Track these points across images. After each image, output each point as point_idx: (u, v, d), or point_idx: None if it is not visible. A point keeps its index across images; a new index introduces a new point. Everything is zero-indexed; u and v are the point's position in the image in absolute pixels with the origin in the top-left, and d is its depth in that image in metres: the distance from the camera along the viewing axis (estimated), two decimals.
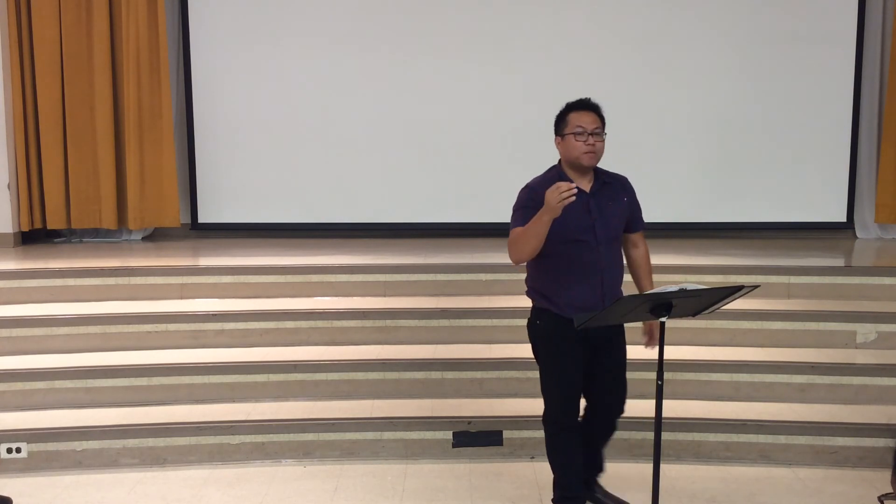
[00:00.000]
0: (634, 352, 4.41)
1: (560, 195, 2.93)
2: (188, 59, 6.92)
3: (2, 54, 6.52)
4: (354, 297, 5.34)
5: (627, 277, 3.54)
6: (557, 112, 3.39)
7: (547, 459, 3.61)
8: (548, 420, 3.52)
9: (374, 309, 5.08)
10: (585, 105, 3.32)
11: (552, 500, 3.61)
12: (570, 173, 3.34)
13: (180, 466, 4.20)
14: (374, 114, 6.95)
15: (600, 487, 3.78)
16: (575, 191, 2.96)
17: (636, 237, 3.55)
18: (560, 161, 3.41)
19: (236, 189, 7.02)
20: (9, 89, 6.59)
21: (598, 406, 3.56)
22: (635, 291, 3.46)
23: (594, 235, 3.30)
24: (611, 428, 3.64)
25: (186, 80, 6.95)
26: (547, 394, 3.49)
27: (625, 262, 3.54)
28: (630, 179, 3.57)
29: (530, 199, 3.26)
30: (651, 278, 3.57)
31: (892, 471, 1.47)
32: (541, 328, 3.43)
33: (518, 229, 3.22)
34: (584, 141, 3.26)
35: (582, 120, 3.27)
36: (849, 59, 6.94)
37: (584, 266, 3.31)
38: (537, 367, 3.60)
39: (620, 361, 3.54)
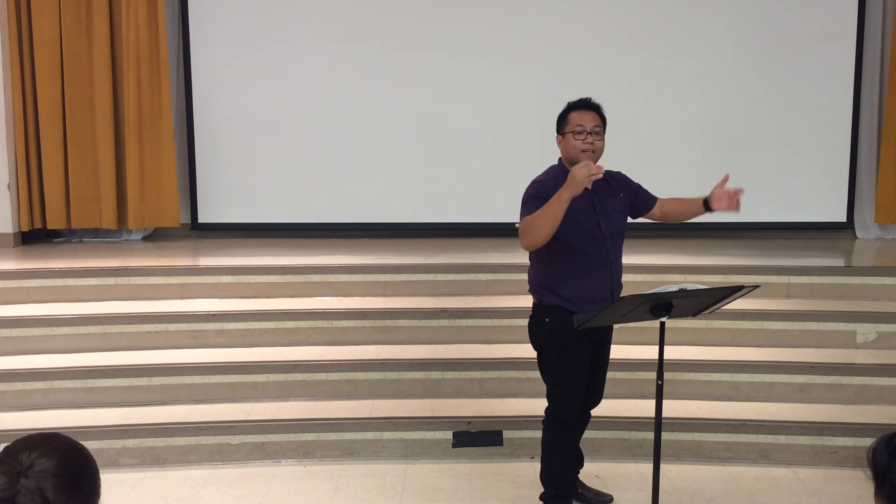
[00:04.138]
0: (634, 352, 4.44)
1: (589, 170, 2.98)
2: (188, 59, 6.92)
3: (2, 54, 6.52)
4: (354, 297, 5.33)
5: (627, 278, 3.55)
6: (559, 112, 3.42)
7: (541, 458, 3.61)
8: (554, 419, 3.52)
9: (374, 309, 5.08)
10: (586, 104, 3.36)
11: (542, 498, 3.61)
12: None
13: (180, 466, 4.20)
14: (375, 114, 6.95)
15: (582, 483, 3.82)
16: (603, 170, 3.02)
17: (658, 203, 3.57)
18: (560, 160, 3.43)
19: (236, 189, 7.02)
20: (9, 89, 6.58)
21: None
22: (633, 290, 3.47)
23: (600, 230, 3.34)
24: (588, 419, 3.71)
25: (186, 80, 6.95)
26: (556, 392, 3.49)
27: (624, 260, 3.55)
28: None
29: (539, 191, 3.28)
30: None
31: (874, 488, 1.45)
32: (551, 325, 3.42)
33: (529, 216, 3.22)
34: (584, 140, 3.29)
35: (582, 119, 3.32)
36: (849, 59, 6.93)
37: (594, 260, 3.34)
38: (537, 367, 3.61)
39: (608, 357, 3.63)
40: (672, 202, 3.58)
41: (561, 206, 3.08)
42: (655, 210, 3.56)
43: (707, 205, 3.44)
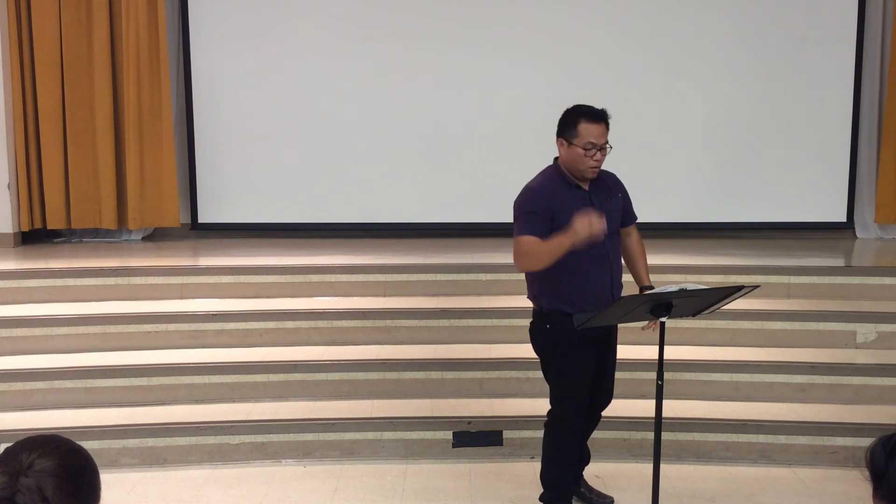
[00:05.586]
0: (634, 352, 4.43)
1: (591, 227, 3.01)
2: (188, 59, 6.91)
3: (2, 54, 6.52)
4: (354, 297, 5.33)
5: (627, 278, 3.55)
6: (565, 110, 3.34)
7: (542, 460, 3.61)
8: (556, 423, 3.51)
9: (374, 309, 5.08)
10: (598, 116, 3.26)
11: (541, 499, 3.61)
12: (569, 175, 3.34)
13: (180, 466, 4.20)
14: (375, 114, 6.94)
15: (585, 482, 3.82)
16: (605, 229, 3.05)
17: (630, 228, 3.59)
18: (556, 160, 3.41)
19: (236, 189, 7.02)
20: (9, 89, 6.58)
21: (590, 400, 3.54)
22: (634, 290, 3.47)
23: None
24: (598, 419, 3.71)
25: (186, 80, 6.94)
26: (560, 397, 3.49)
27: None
28: (630, 179, 3.61)
29: (535, 205, 3.27)
30: (646, 264, 3.59)
31: (872, 488, 1.45)
32: (552, 332, 3.41)
33: (529, 240, 3.21)
34: (593, 157, 3.25)
35: (593, 134, 3.23)
36: (849, 59, 6.93)
37: (594, 260, 3.32)
38: (538, 367, 3.61)
39: (615, 357, 3.61)
40: (636, 246, 3.58)
41: (561, 252, 3.13)
42: (623, 231, 3.54)
43: (640, 290, 3.45)
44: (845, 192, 7.06)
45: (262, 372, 4.64)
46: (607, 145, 3.28)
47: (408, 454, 4.30)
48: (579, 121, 3.25)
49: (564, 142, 3.30)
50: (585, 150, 3.24)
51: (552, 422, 3.53)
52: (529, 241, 3.22)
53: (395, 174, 6.99)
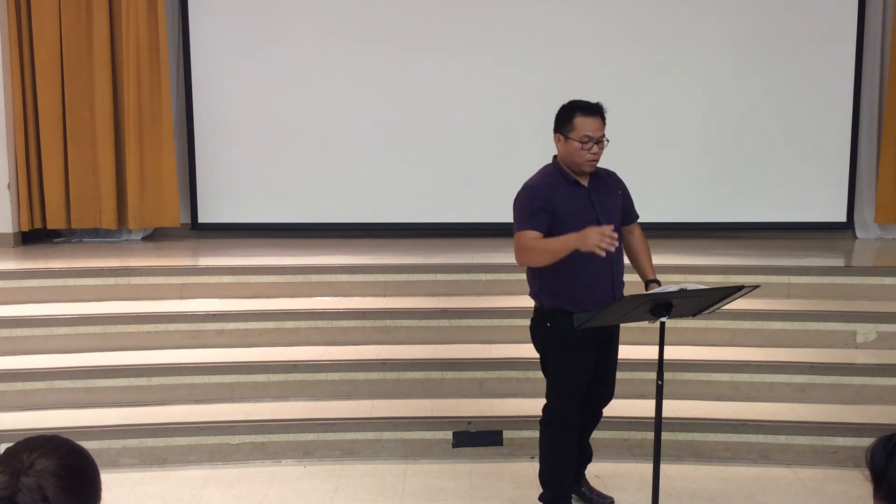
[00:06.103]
0: (634, 352, 4.44)
1: (602, 241, 2.96)
2: (188, 59, 6.91)
3: (2, 54, 6.52)
4: (354, 297, 5.33)
5: (627, 278, 3.55)
6: (560, 106, 3.36)
7: (539, 459, 3.62)
8: (552, 421, 3.51)
9: (374, 309, 5.08)
10: (593, 110, 3.29)
11: (541, 499, 3.61)
12: (568, 171, 3.35)
13: (180, 466, 4.20)
14: (375, 114, 6.94)
15: (586, 482, 3.81)
16: (617, 242, 3.00)
17: (632, 226, 3.59)
18: (556, 158, 3.41)
19: (236, 189, 7.02)
20: (9, 89, 6.58)
21: (590, 398, 3.55)
22: (635, 289, 3.46)
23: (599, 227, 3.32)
24: (599, 417, 3.71)
25: (186, 80, 6.94)
26: (556, 395, 3.49)
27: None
28: (631, 179, 3.61)
29: (535, 200, 3.28)
30: (651, 259, 3.58)
31: (873, 488, 1.46)
32: (552, 330, 3.41)
33: (530, 234, 3.22)
34: (590, 150, 3.26)
35: (589, 127, 3.25)
36: (849, 59, 6.93)
37: (595, 259, 3.30)
38: (538, 367, 3.61)
39: (616, 356, 3.61)
40: (639, 242, 3.57)
41: (565, 252, 3.11)
42: (625, 230, 3.54)
43: (646, 285, 3.44)
44: (845, 192, 7.06)
45: (262, 372, 4.64)
46: (604, 139, 3.29)
47: (408, 454, 4.30)
48: (575, 115, 3.28)
49: (561, 137, 3.33)
50: (582, 143, 3.25)
51: (548, 419, 3.53)
52: (531, 235, 3.23)
53: (395, 174, 6.99)
